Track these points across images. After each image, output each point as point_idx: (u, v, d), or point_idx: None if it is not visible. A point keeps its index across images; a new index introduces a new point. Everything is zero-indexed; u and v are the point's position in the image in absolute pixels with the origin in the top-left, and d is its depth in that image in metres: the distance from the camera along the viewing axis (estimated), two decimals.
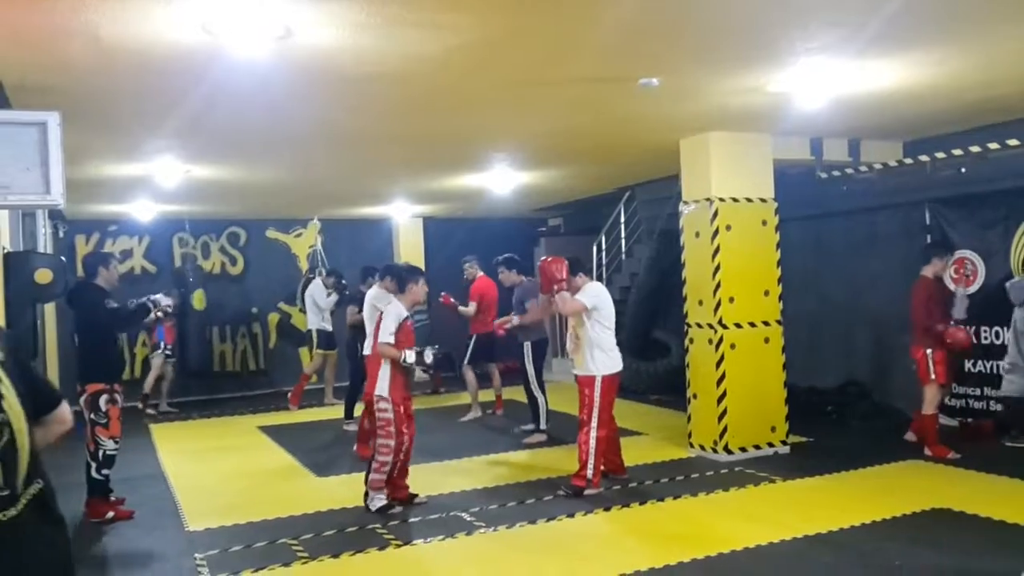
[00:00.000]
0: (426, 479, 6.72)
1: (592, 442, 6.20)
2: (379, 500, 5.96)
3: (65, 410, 2.27)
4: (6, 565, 1.91)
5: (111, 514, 6.06)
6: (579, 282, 6.38)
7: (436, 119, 6.43)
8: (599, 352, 6.27)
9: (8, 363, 2.06)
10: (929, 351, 6.88)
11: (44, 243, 7.97)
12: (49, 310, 10.88)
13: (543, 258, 6.48)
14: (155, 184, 8.49)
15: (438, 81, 5.25)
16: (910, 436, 7.41)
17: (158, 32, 4.07)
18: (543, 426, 8.26)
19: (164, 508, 6.41)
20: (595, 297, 6.29)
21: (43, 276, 5.41)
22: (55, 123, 4.64)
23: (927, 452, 6.93)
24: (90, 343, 6.10)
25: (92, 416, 5.93)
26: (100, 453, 5.96)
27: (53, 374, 11.55)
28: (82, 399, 5.91)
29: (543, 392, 8.33)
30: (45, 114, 4.63)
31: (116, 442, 6.02)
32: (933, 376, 6.90)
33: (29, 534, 1.94)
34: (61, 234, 11.20)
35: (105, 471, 6.03)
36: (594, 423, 6.22)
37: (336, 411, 9.77)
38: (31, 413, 2.06)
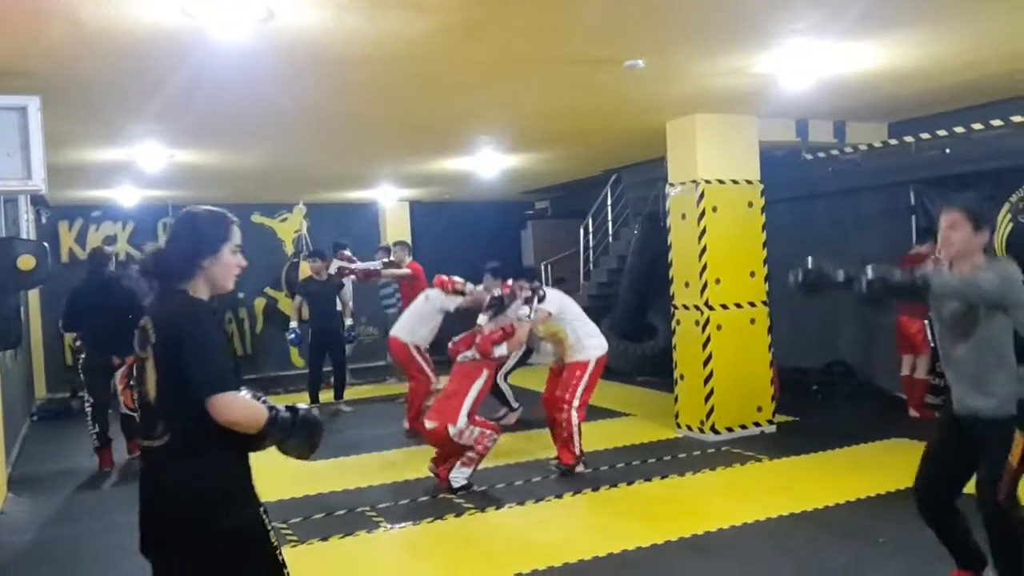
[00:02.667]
0: (412, 464, 6.75)
1: (575, 420, 6.29)
2: (463, 479, 5.99)
3: (214, 403, 2.37)
4: (149, 477, 2.55)
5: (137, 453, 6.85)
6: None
7: (421, 102, 6.39)
8: (588, 339, 6.42)
9: (160, 344, 2.42)
10: (926, 321, 7.06)
11: (27, 229, 7.89)
12: (33, 297, 10.81)
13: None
14: (138, 169, 8.41)
15: (422, 63, 5.21)
16: (914, 413, 7.60)
17: (138, 15, 4.03)
18: (515, 405, 8.34)
19: None
20: (556, 304, 6.39)
21: (26, 263, 5.36)
22: (35, 108, 4.60)
23: (913, 413, 7.28)
24: (123, 322, 6.54)
25: (131, 382, 6.73)
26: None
27: (38, 360, 11.51)
28: (121, 369, 7.15)
29: (505, 380, 8.45)
30: (25, 99, 4.59)
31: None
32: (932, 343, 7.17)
33: (165, 460, 2.48)
34: (44, 220, 11.10)
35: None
36: (576, 403, 6.31)
37: (323, 396, 9.74)
38: (174, 387, 2.39)
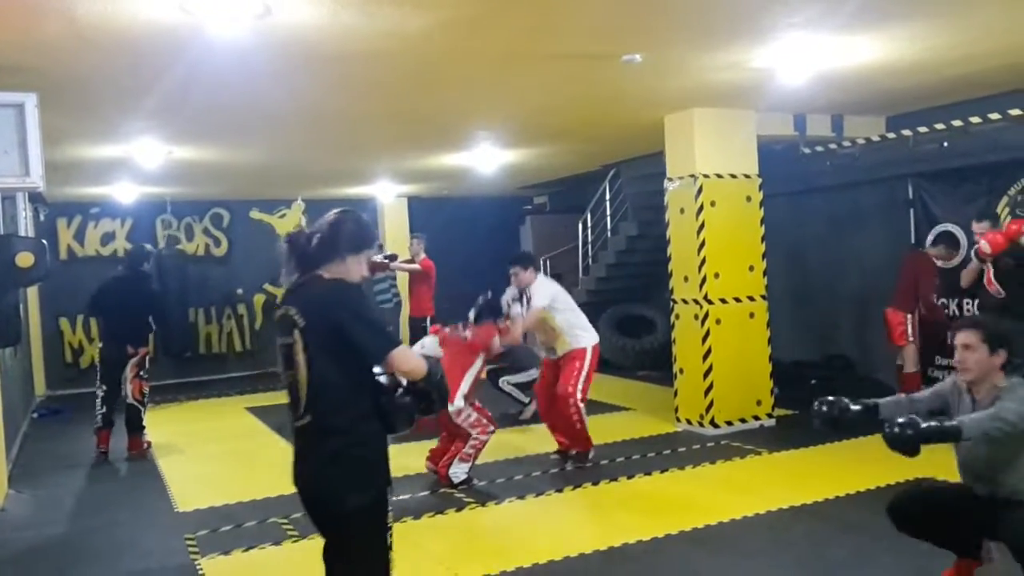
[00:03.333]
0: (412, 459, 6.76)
1: (582, 408, 6.36)
2: (463, 473, 6.04)
3: (394, 357, 2.61)
4: (298, 455, 2.72)
5: (146, 445, 7.61)
6: (530, 276, 6.46)
7: (418, 97, 6.39)
8: (579, 331, 6.46)
9: (310, 327, 2.57)
10: (910, 316, 7.26)
11: (25, 226, 7.89)
12: (32, 293, 10.81)
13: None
14: (136, 166, 8.40)
15: (419, 59, 5.21)
16: None
17: (135, 11, 4.02)
18: (526, 399, 8.35)
19: (153, 490, 6.42)
20: (547, 296, 6.39)
21: (24, 260, 5.36)
22: (32, 104, 4.59)
23: None
24: (143, 318, 7.60)
25: (140, 372, 7.48)
26: (146, 400, 7.57)
27: (38, 357, 11.51)
28: (134, 359, 7.44)
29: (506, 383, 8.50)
30: (22, 95, 4.58)
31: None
32: (911, 338, 7.32)
33: (308, 439, 2.65)
34: (42, 217, 11.08)
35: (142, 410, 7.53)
36: (579, 394, 6.34)
37: None
38: (323, 367, 2.57)
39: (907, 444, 3.18)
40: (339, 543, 2.74)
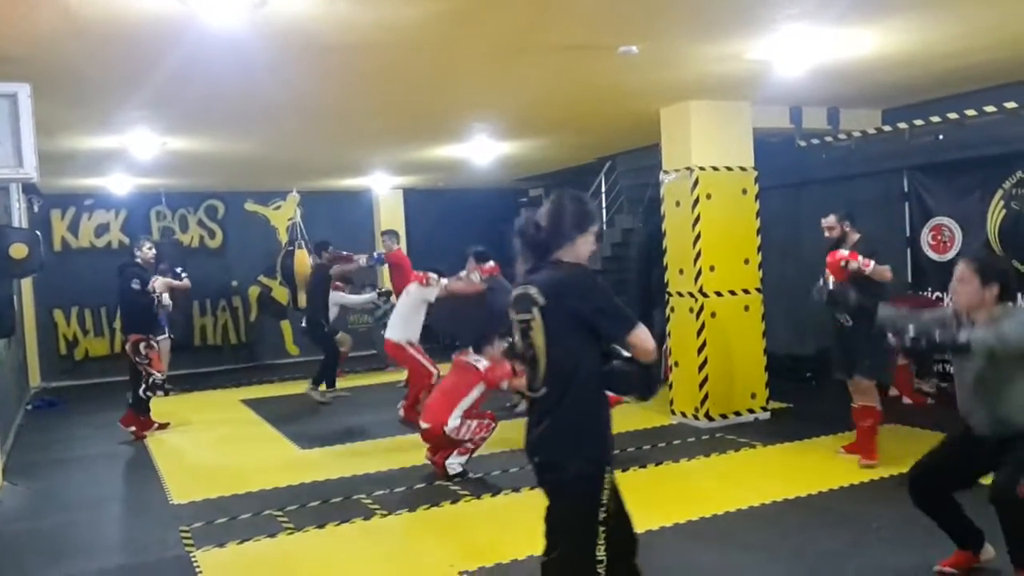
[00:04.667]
0: (407, 452, 6.76)
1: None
2: (459, 466, 6.06)
3: (634, 337, 2.74)
4: (533, 420, 2.88)
5: (155, 427, 8.09)
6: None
7: (414, 89, 6.36)
8: None
9: (550, 307, 2.72)
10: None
11: (19, 218, 7.85)
12: (26, 284, 10.78)
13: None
14: (131, 157, 8.37)
15: (415, 50, 5.19)
16: (906, 400, 7.73)
17: (129, 1, 3.99)
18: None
19: (148, 482, 6.41)
20: None
21: (18, 251, 5.34)
22: (25, 95, 4.57)
23: (906, 400, 7.60)
24: (130, 306, 7.93)
25: (136, 359, 7.83)
26: (151, 379, 7.93)
27: (32, 349, 11.48)
28: (127, 346, 7.91)
29: None
30: (15, 86, 4.55)
31: (162, 373, 8.27)
32: None
33: (546, 412, 2.80)
34: (36, 208, 11.03)
35: (149, 393, 7.96)
36: None
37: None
38: (561, 345, 2.74)
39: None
40: (557, 509, 2.87)
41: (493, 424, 6.14)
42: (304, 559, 4.71)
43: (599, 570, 2.74)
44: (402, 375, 9.53)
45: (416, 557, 4.64)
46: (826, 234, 5.99)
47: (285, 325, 13.14)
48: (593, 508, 2.76)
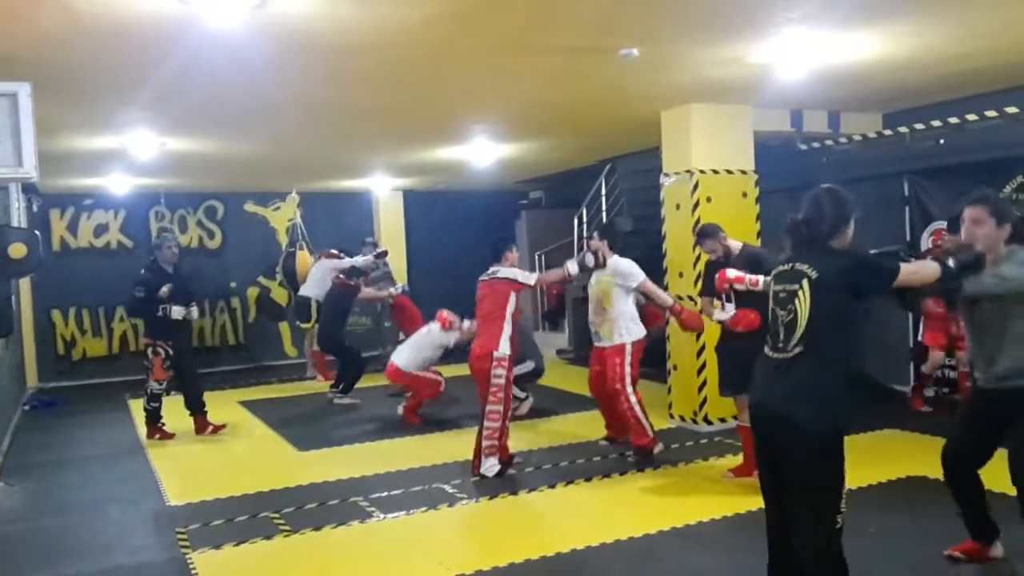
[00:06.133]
0: (412, 451, 6.75)
1: (636, 407, 6.32)
2: (494, 466, 6.03)
3: (901, 281, 3.16)
4: (773, 380, 3.19)
5: (158, 436, 7.75)
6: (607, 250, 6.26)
7: (414, 90, 6.36)
8: (631, 323, 6.34)
9: (823, 280, 3.09)
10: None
11: (18, 217, 7.83)
12: (24, 284, 10.76)
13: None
14: (130, 157, 8.36)
15: (415, 52, 5.18)
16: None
17: (130, 1, 3.98)
18: (522, 395, 8.34)
19: (145, 484, 6.39)
20: (627, 270, 6.28)
21: (17, 251, 5.32)
22: (26, 94, 4.56)
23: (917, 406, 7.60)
24: (138, 312, 7.85)
25: (145, 363, 7.67)
26: (148, 390, 7.65)
27: (29, 349, 11.47)
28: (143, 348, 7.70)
29: None
30: (15, 85, 4.54)
31: (160, 383, 7.62)
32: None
33: (794, 370, 3.12)
34: (35, 208, 11.03)
35: (153, 404, 7.71)
36: (629, 389, 6.32)
37: (317, 385, 9.73)
38: (826, 313, 3.09)
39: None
40: (800, 470, 3.13)
41: (503, 408, 6.00)
42: (301, 562, 4.69)
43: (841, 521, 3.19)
44: None
45: (412, 560, 4.63)
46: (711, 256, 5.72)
47: (283, 327, 13.13)
48: (839, 465, 3.13)
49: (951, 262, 3.43)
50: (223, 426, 8.02)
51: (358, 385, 9.55)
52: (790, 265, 3.22)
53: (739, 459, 6.17)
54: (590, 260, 6.03)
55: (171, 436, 7.77)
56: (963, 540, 4.08)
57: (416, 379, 8.07)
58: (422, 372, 8.06)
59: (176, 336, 7.65)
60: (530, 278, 6.17)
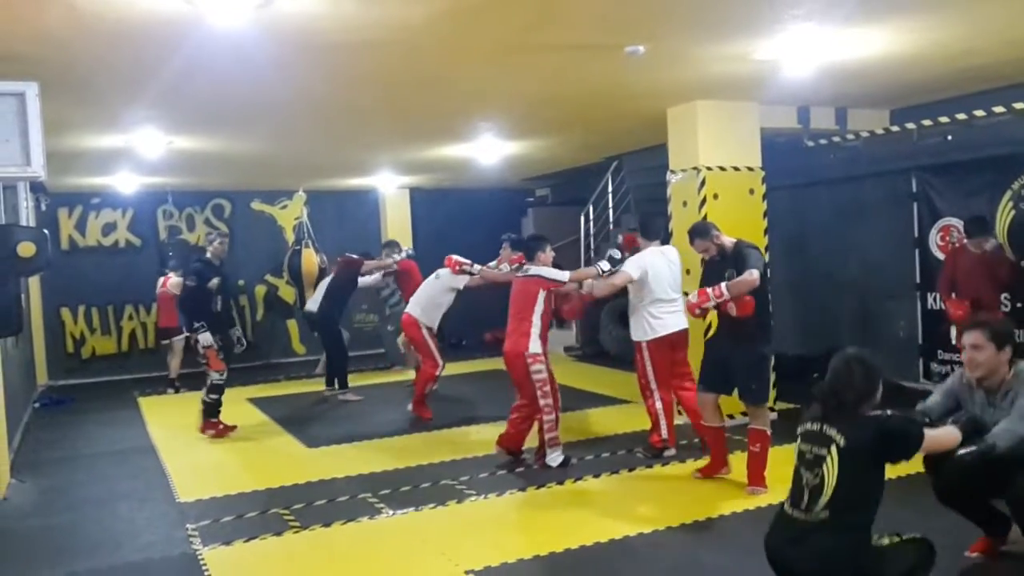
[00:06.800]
0: (421, 447, 6.76)
1: (657, 404, 6.31)
2: (557, 457, 6.10)
3: (927, 447, 3.36)
4: (797, 549, 3.23)
5: (211, 432, 7.74)
6: (642, 243, 6.35)
7: (420, 87, 6.36)
8: (645, 319, 6.31)
9: (851, 448, 3.14)
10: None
11: (26, 216, 7.87)
12: (34, 283, 10.81)
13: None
14: (137, 155, 8.39)
15: (421, 49, 5.19)
16: None
17: (135, 0, 4.00)
18: None
19: (155, 480, 6.43)
20: (637, 268, 6.26)
21: (26, 249, 5.35)
22: (33, 94, 4.57)
23: None
24: (191, 297, 7.86)
25: (198, 357, 7.74)
26: (208, 382, 7.70)
27: (39, 347, 11.52)
28: (192, 340, 7.76)
29: None
30: (23, 84, 4.56)
31: (220, 374, 7.71)
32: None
33: (817, 535, 3.17)
34: (43, 207, 11.07)
35: (213, 396, 7.75)
36: (653, 386, 6.32)
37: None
38: (859, 480, 3.17)
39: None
40: None
41: (551, 400, 6.07)
42: (310, 558, 4.71)
43: None
44: (409, 374, 9.57)
45: (422, 556, 4.64)
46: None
47: (292, 324, 13.16)
48: None
49: (970, 450, 3.49)
50: (234, 427, 8.01)
51: (362, 383, 9.60)
52: (819, 427, 3.26)
53: (735, 458, 6.17)
54: (617, 255, 6.16)
55: (232, 428, 7.84)
56: (974, 537, 4.06)
57: (425, 343, 8.10)
58: (431, 340, 8.08)
59: (224, 330, 8.00)
60: (562, 276, 6.23)
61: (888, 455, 3.21)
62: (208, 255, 7.98)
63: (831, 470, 3.15)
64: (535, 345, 6.00)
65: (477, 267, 7.77)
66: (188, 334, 7.92)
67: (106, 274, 12.04)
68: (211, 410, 7.78)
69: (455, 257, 7.91)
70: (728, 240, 5.54)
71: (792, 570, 3.25)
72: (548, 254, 6.27)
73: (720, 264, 5.41)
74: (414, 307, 8.24)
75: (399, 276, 10.25)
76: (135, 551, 4.92)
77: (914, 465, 5.05)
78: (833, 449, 3.16)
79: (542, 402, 6.05)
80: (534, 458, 6.29)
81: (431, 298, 8.20)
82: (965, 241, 6.91)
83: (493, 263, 7.91)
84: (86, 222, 12.13)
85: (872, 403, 3.26)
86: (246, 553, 4.79)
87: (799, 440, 3.32)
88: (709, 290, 5.23)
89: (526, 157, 10.70)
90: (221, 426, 7.80)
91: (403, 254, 10.13)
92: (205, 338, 7.59)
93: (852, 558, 3.11)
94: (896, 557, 3.21)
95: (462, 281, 8.03)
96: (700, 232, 5.55)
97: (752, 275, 5.18)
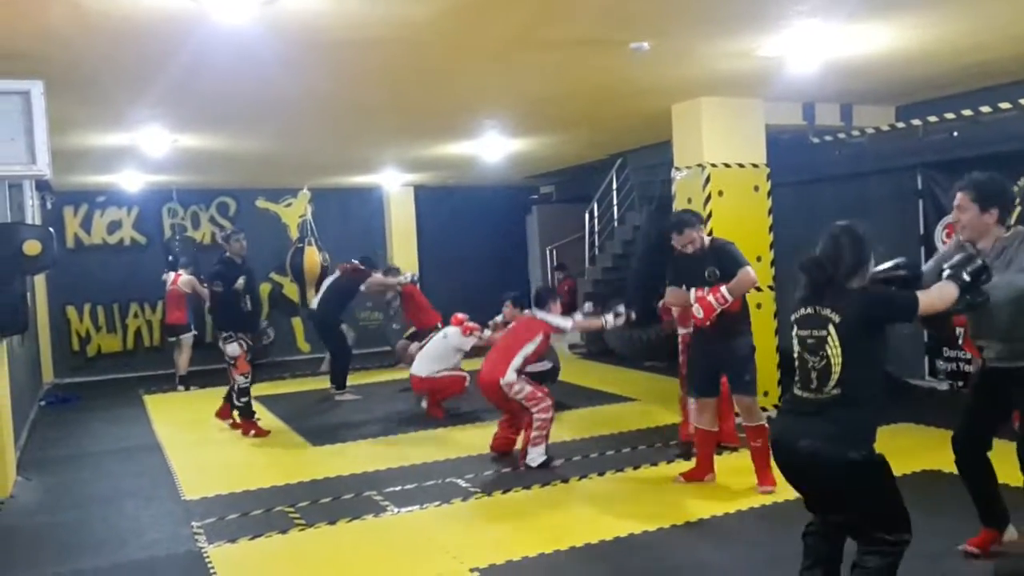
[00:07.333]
0: (426, 446, 6.76)
1: (685, 397, 6.31)
2: (539, 456, 6.13)
3: (923, 310, 3.19)
4: (810, 423, 3.14)
5: (252, 432, 7.60)
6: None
7: (424, 85, 6.36)
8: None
9: (847, 322, 3.06)
10: None
11: (32, 214, 7.90)
12: (39, 281, 10.84)
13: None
14: (142, 154, 8.41)
15: (425, 46, 5.18)
16: None
17: None
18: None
19: (160, 478, 6.44)
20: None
21: (32, 248, 5.38)
22: (38, 92, 4.59)
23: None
24: (220, 301, 7.71)
25: (227, 358, 7.57)
26: (235, 385, 7.58)
27: (45, 345, 11.55)
28: (220, 344, 7.59)
29: None
30: (28, 83, 4.58)
31: (245, 377, 7.54)
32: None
33: (831, 410, 3.11)
34: (49, 206, 11.11)
35: (243, 399, 7.59)
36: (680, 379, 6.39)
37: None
38: (857, 352, 3.06)
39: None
40: (838, 496, 3.15)
41: (548, 402, 6.15)
42: (315, 555, 4.72)
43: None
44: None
45: (427, 554, 4.64)
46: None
47: (296, 322, 13.18)
48: (880, 484, 3.16)
49: (962, 275, 3.31)
50: (267, 432, 7.82)
51: (365, 381, 9.60)
52: (812, 309, 3.19)
53: (736, 458, 6.16)
54: (621, 319, 6.58)
55: (266, 433, 7.62)
56: (978, 533, 4.06)
57: (440, 382, 8.10)
58: (446, 373, 8.10)
59: (256, 328, 7.96)
60: (565, 324, 6.52)
61: (885, 319, 3.16)
62: (228, 255, 7.78)
63: (835, 349, 3.10)
64: (510, 375, 6.12)
65: (487, 332, 7.84)
66: (216, 340, 7.72)
67: (111, 272, 12.07)
68: (246, 411, 7.67)
69: (466, 321, 7.99)
70: (704, 237, 5.39)
71: (796, 449, 3.16)
72: (558, 306, 6.54)
73: (693, 261, 5.23)
74: (419, 366, 8.18)
75: (403, 299, 10.28)
76: (140, 549, 4.93)
77: (914, 465, 5.05)
78: (831, 328, 3.10)
79: (535, 409, 6.10)
80: (517, 458, 6.28)
81: (436, 357, 8.16)
82: None
83: (499, 317, 7.68)
84: (91, 220, 12.16)
85: (862, 276, 3.16)
86: (251, 551, 4.79)
87: (796, 327, 3.24)
88: (710, 298, 5.13)
89: (530, 154, 10.69)
90: (253, 431, 7.64)
91: (406, 278, 10.15)
92: (232, 348, 7.48)
93: (858, 422, 3.10)
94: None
95: (469, 343, 8.06)
96: (689, 222, 5.27)
97: (750, 273, 5.16)
